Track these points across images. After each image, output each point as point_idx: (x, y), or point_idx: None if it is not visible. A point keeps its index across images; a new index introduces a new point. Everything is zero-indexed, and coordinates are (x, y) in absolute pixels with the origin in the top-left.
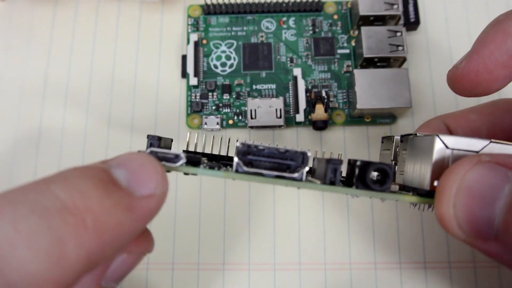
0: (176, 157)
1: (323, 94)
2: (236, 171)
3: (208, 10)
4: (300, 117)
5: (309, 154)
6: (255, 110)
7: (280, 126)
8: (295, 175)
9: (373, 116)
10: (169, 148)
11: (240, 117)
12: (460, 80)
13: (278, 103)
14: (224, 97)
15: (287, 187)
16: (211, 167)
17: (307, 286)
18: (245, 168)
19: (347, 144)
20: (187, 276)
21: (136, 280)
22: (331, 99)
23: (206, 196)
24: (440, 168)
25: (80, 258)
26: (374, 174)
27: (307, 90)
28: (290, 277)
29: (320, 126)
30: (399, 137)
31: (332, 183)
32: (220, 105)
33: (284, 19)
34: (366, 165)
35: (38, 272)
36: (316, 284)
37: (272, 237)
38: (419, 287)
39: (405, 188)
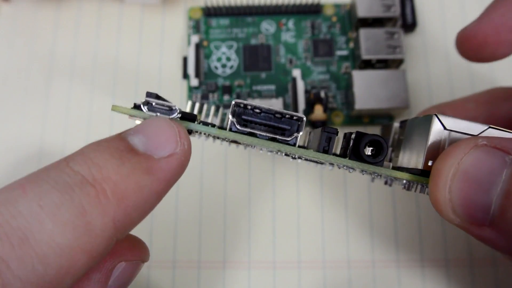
0: (170, 110)
1: (322, 95)
2: (230, 129)
3: (209, 12)
4: None
5: (304, 119)
6: None
7: None
8: (289, 139)
9: (371, 117)
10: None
11: None
12: (468, 41)
13: (278, 103)
14: (225, 98)
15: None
16: (205, 124)
17: (306, 284)
18: (239, 127)
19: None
20: (188, 274)
21: (137, 277)
22: (330, 99)
23: (207, 195)
24: (436, 149)
25: (106, 226)
26: (369, 149)
27: (306, 91)
28: (289, 275)
29: (319, 126)
30: (398, 124)
31: (325, 151)
32: (221, 105)
33: (284, 21)
34: (361, 136)
35: (66, 242)
36: (315, 281)
37: (272, 236)
38: (416, 285)
39: (399, 169)
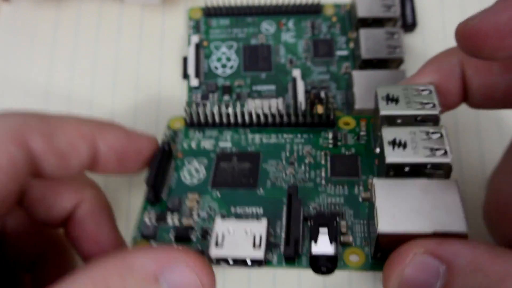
0: None
1: (322, 95)
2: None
3: (209, 12)
4: None
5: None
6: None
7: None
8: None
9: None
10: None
11: None
12: (467, 38)
13: (278, 102)
14: (225, 98)
15: None
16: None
17: (306, 285)
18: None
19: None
20: None
21: None
22: (330, 100)
23: None
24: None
25: None
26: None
27: (306, 91)
28: (290, 276)
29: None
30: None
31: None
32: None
33: (284, 21)
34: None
35: None
36: (315, 282)
37: None
38: None
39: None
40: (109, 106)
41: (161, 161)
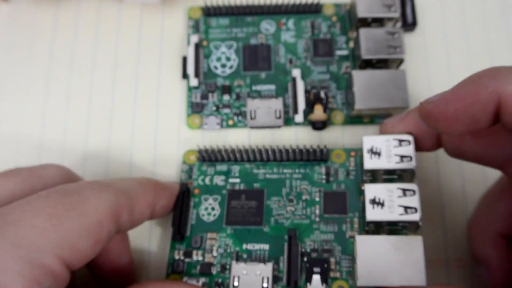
0: None
1: (322, 95)
2: None
3: (209, 12)
4: (299, 118)
5: None
6: (254, 111)
7: (279, 127)
8: None
9: (371, 117)
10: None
11: (239, 118)
12: (425, 116)
13: (278, 103)
14: (224, 98)
15: None
16: None
17: None
18: None
19: (346, 143)
20: None
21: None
22: (330, 99)
23: None
24: None
25: None
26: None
27: (306, 91)
28: None
29: (319, 126)
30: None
31: None
32: (220, 105)
33: (283, 20)
34: None
35: None
36: None
37: None
38: None
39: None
40: (108, 105)
41: (182, 202)
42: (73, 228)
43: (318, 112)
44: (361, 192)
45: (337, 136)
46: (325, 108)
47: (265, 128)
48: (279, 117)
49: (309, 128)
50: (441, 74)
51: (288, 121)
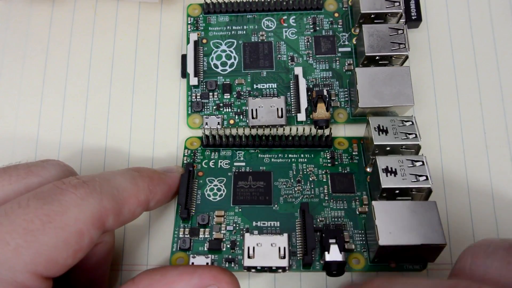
0: None
1: (325, 93)
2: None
3: (208, 9)
4: (301, 116)
5: None
6: (256, 110)
7: (281, 126)
8: None
9: (375, 115)
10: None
11: (241, 117)
12: None
13: (279, 102)
14: (225, 97)
15: None
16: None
17: (307, 286)
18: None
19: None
20: None
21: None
22: (333, 98)
23: None
24: None
25: None
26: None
27: (308, 89)
28: (290, 277)
29: (321, 125)
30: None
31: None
32: (221, 104)
33: (285, 17)
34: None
35: None
36: (316, 284)
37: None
38: None
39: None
40: (105, 104)
41: (188, 182)
42: (49, 243)
43: (321, 111)
44: (367, 174)
45: (340, 135)
46: (328, 107)
47: (267, 128)
48: (281, 116)
49: (312, 127)
50: (446, 71)
51: (290, 120)
